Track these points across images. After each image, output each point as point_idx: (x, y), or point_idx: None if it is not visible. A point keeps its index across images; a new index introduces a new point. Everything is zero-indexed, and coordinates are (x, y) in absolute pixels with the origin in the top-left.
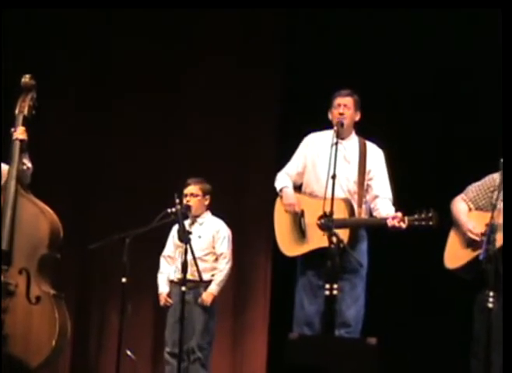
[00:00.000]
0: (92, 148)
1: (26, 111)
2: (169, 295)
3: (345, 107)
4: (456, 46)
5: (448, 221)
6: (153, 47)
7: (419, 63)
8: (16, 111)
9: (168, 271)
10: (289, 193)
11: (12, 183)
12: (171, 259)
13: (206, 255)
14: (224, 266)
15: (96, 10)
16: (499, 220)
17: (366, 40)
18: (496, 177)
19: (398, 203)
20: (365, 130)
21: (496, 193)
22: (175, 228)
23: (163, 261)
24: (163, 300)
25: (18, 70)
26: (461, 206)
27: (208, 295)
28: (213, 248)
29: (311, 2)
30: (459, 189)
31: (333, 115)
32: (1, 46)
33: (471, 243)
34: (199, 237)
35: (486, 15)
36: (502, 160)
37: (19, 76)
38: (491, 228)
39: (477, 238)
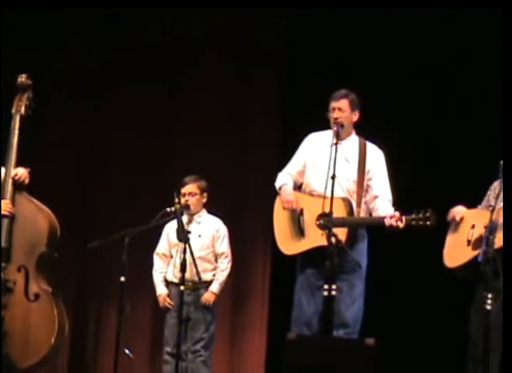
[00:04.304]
0: (92, 146)
1: (22, 110)
2: (168, 296)
3: (339, 111)
4: (456, 46)
5: (446, 222)
6: (153, 47)
7: (420, 63)
8: (13, 110)
9: (163, 269)
10: (287, 190)
11: (10, 181)
12: (165, 258)
13: (208, 254)
14: (226, 266)
15: (95, 10)
16: (499, 220)
17: (366, 39)
18: (496, 185)
19: (398, 203)
20: (365, 130)
21: (491, 194)
22: (169, 225)
23: (156, 258)
24: (163, 301)
25: (17, 67)
26: None
27: (210, 295)
28: (213, 246)
29: (311, 2)
30: (458, 190)
31: (330, 118)
32: (1, 46)
33: (471, 242)
34: (199, 236)
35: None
36: (501, 162)
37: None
38: (489, 230)
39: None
